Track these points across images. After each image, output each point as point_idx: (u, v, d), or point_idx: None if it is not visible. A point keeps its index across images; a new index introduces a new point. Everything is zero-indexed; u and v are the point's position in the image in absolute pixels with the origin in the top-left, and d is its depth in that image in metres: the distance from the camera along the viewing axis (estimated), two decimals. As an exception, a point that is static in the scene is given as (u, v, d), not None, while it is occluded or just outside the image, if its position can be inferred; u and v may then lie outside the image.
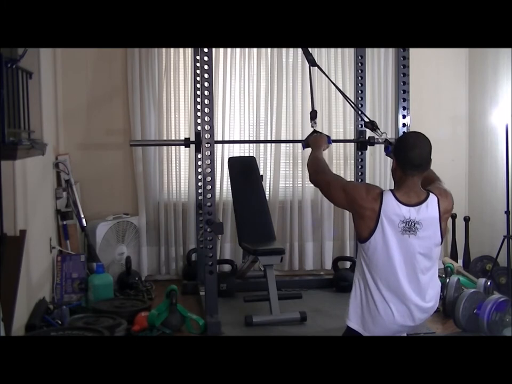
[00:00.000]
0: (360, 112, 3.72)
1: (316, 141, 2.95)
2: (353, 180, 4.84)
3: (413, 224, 2.31)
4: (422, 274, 2.37)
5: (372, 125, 3.22)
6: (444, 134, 5.43)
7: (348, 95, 5.07)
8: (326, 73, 5.04)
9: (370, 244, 2.33)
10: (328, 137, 3.03)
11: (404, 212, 2.31)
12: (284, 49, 5.14)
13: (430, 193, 2.38)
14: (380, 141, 3.06)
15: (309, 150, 2.95)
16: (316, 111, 3.32)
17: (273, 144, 5.17)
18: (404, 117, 3.99)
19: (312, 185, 5.50)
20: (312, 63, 3.47)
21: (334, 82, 5.10)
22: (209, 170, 3.76)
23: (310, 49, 3.57)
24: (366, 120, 3.26)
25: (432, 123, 5.34)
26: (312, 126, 3.23)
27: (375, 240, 2.32)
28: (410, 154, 2.30)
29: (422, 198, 2.35)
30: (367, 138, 4.46)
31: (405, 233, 2.31)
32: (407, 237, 2.32)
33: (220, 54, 5.03)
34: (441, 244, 2.41)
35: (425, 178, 2.43)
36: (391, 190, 2.37)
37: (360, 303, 2.41)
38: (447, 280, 4.06)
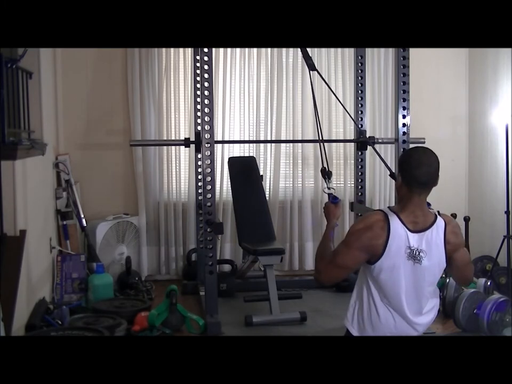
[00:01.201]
0: (354, 121, 3.67)
1: (325, 215, 2.62)
2: (353, 179, 4.85)
3: (417, 252, 2.24)
4: (425, 299, 2.34)
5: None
6: (443, 134, 5.43)
7: (348, 95, 5.17)
8: (326, 73, 5.10)
9: (375, 268, 2.26)
10: (334, 198, 2.62)
11: (410, 239, 2.23)
12: (283, 49, 5.14)
13: (438, 217, 2.30)
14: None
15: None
16: (330, 171, 2.92)
17: (273, 144, 5.17)
18: (404, 117, 3.99)
19: (312, 185, 5.51)
20: (312, 67, 3.46)
21: (334, 82, 5.17)
22: (209, 170, 3.76)
23: (309, 49, 3.57)
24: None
25: (432, 123, 5.35)
26: (324, 191, 2.80)
27: (381, 265, 2.25)
28: (417, 172, 2.20)
29: (428, 222, 2.27)
30: (367, 138, 4.46)
31: (410, 259, 2.24)
32: (412, 264, 2.25)
33: (220, 54, 5.03)
34: (446, 265, 2.34)
35: None
36: (395, 211, 2.26)
37: (361, 310, 2.36)
38: (447, 280, 4.06)
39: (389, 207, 2.34)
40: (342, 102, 3.46)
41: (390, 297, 2.30)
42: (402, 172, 2.27)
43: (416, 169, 2.21)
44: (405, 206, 2.27)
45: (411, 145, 3.55)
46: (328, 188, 2.75)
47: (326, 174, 2.91)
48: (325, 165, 2.94)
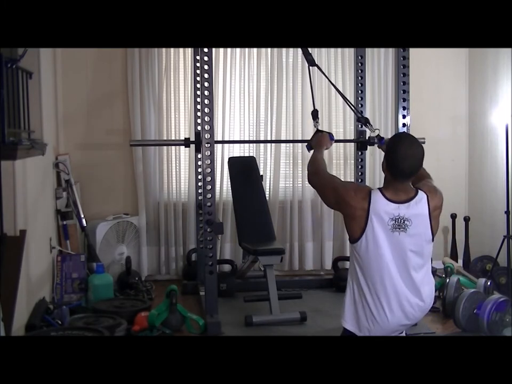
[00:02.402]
0: (353, 108, 3.71)
1: (317, 141, 2.93)
2: (353, 179, 4.85)
3: (402, 221, 2.32)
4: (414, 271, 2.36)
5: (365, 120, 3.31)
6: (443, 134, 5.43)
7: (347, 95, 5.15)
8: (326, 73, 5.04)
9: (361, 243, 2.34)
10: (330, 134, 3.01)
11: (393, 209, 2.32)
12: (283, 49, 5.14)
13: (419, 191, 2.38)
14: (372, 135, 3.08)
15: (311, 151, 2.95)
16: (317, 110, 3.29)
17: (273, 144, 5.17)
18: (404, 117, 3.99)
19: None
20: (311, 62, 3.47)
21: (334, 82, 5.15)
22: (209, 170, 3.76)
23: (310, 49, 3.57)
24: (359, 115, 3.27)
25: (432, 123, 5.34)
26: (314, 126, 3.18)
27: (366, 239, 2.32)
28: (402, 165, 2.31)
29: (410, 195, 2.35)
30: (367, 138, 4.46)
31: (395, 230, 2.32)
32: (397, 234, 2.32)
33: (220, 54, 5.03)
34: (432, 240, 2.41)
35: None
36: (379, 188, 2.38)
37: (354, 304, 2.41)
38: (447, 280, 4.06)
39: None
40: (339, 91, 3.51)
41: (379, 274, 2.33)
42: (388, 160, 2.36)
43: (401, 162, 2.30)
44: (388, 187, 2.37)
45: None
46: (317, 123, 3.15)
47: (315, 113, 3.23)
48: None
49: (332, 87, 4.43)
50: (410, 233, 2.33)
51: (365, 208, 2.31)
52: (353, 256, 2.41)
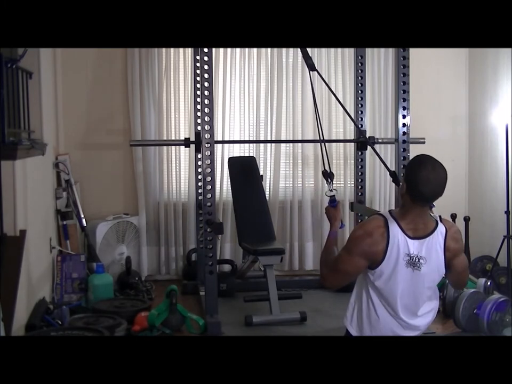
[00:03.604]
0: (353, 121, 3.65)
1: (328, 218, 2.69)
2: (353, 180, 4.85)
3: (417, 259, 2.23)
4: (423, 302, 2.34)
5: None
6: (443, 134, 5.44)
7: (348, 95, 5.16)
8: (326, 74, 5.10)
9: (375, 273, 2.26)
10: (333, 201, 2.66)
11: (409, 245, 2.22)
12: (283, 49, 5.14)
13: (439, 223, 2.27)
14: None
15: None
16: (332, 173, 2.85)
17: (273, 144, 5.18)
18: (404, 117, 4.00)
19: (312, 185, 5.50)
20: (312, 67, 3.45)
21: (334, 82, 5.17)
22: (209, 170, 3.76)
23: (310, 49, 3.56)
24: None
25: (432, 123, 5.35)
26: (327, 194, 2.72)
27: (381, 271, 2.24)
28: (424, 190, 2.16)
29: (429, 229, 2.25)
30: (367, 138, 4.46)
31: (409, 266, 2.23)
32: (411, 271, 2.24)
33: (220, 54, 5.04)
34: (445, 272, 2.34)
35: None
36: (394, 217, 2.25)
37: (360, 310, 2.37)
38: (447, 281, 4.05)
39: (390, 211, 2.32)
40: (342, 103, 3.40)
41: (387, 301, 2.30)
42: (409, 183, 2.21)
43: (423, 186, 2.16)
44: (406, 214, 2.24)
45: (414, 153, 3.05)
46: (331, 190, 2.68)
47: (328, 176, 2.83)
48: (327, 167, 2.88)
49: (333, 86, 4.45)
50: (424, 272, 2.25)
51: (384, 245, 2.21)
52: (366, 274, 2.32)
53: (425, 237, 2.24)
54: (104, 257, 4.62)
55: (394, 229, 2.22)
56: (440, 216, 2.32)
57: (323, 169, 2.92)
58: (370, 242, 2.22)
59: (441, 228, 2.27)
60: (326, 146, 3.11)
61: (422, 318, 2.36)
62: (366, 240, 2.23)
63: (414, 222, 2.24)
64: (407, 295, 2.28)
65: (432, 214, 2.31)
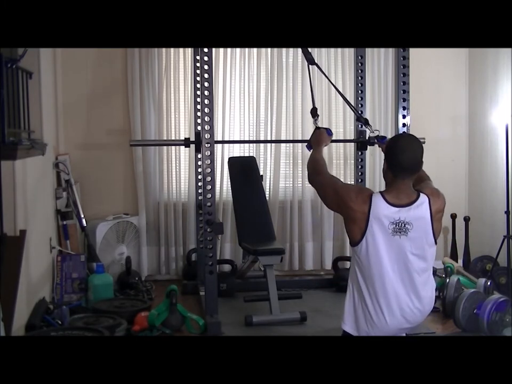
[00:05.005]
0: (353, 108, 3.69)
1: (315, 139, 2.87)
2: (353, 180, 4.85)
3: (403, 225, 2.30)
4: (417, 275, 2.35)
5: (365, 121, 3.33)
6: (443, 134, 5.43)
7: (347, 95, 5.15)
8: (326, 73, 5.05)
9: (362, 247, 2.32)
10: (328, 129, 2.94)
11: (394, 213, 2.30)
12: (283, 49, 5.14)
13: (421, 194, 2.36)
14: (372, 135, 3.07)
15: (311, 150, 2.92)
16: (316, 108, 3.23)
17: (273, 144, 5.18)
18: (404, 117, 4.00)
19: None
20: (311, 61, 3.46)
21: (334, 82, 5.15)
22: (209, 170, 3.76)
23: (309, 49, 3.57)
24: (358, 115, 3.26)
25: (432, 123, 5.34)
26: (314, 124, 3.10)
27: (366, 243, 2.31)
28: (401, 158, 2.29)
29: (412, 198, 2.33)
30: (367, 138, 4.46)
31: (396, 234, 2.30)
32: (398, 238, 2.30)
33: (220, 54, 5.04)
34: (435, 244, 2.39)
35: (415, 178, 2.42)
36: (380, 192, 2.36)
37: (353, 307, 2.40)
38: (447, 280, 4.06)
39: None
40: (341, 93, 3.49)
41: (379, 278, 2.32)
42: (388, 157, 2.36)
43: (400, 155, 2.30)
44: (389, 189, 2.36)
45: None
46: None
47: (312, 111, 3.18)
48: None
49: (332, 87, 4.44)
50: (411, 236, 2.31)
51: (365, 211, 2.29)
52: (354, 259, 2.40)
53: (409, 204, 2.32)
54: (104, 257, 4.62)
55: (377, 198, 2.32)
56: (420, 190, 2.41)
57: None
58: (352, 198, 2.33)
59: (423, 197, 2.35)
60: (326, 146, 3.16)
61: (422, 290, 2.36)
62: (351, 193, 2.36)
63: (397, 195, 2.33)
64: (396, 264, 2.31)
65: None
